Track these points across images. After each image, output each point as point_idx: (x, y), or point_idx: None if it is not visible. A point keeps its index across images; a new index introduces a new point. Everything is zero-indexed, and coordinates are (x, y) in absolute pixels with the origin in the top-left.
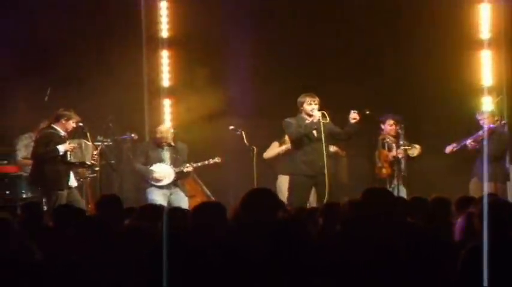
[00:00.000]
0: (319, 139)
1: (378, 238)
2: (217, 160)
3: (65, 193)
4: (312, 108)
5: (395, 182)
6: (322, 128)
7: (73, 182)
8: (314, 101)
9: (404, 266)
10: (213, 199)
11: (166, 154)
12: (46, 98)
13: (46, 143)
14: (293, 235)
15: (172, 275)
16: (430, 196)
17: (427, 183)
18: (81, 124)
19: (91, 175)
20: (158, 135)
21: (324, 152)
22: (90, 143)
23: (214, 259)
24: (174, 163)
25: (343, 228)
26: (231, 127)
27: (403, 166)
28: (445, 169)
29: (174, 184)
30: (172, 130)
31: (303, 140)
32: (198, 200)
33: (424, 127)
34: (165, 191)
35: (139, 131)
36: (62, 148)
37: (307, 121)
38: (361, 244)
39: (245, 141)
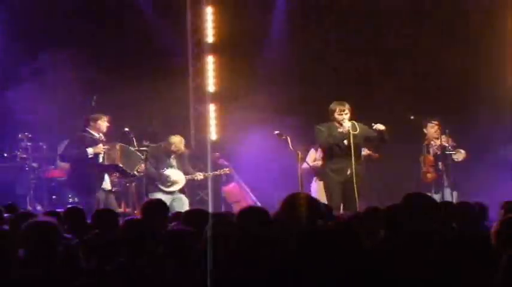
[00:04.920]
0: (348, 149)
1: (416, 246)
2: (227, 171)
3: (100, 195)
4: (342, 119)
5: (441, 186)
6: (351, 140)
7: (107, 185)
8: (344, 110)
9: (446, 271)
10: (259, 204)
11: (173, 161)
12: (93, 104)
13: (77, 146)
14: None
15: (216, 279)
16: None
17: (475, 187)
18: (126, 129)
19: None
20: (173, 148)
21: (353, 161)
22: (134, 151)
23: (257, 265)
24: (182, 168)
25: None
26: (276, 132)
27: (448, 170)
28: (491, 172)
29: (181, 190)
30: (183, 140)
31: (332, 149)
32: (243, 204)
33: (470, 131)
34: (169, 196)
35: (185, 135)
36: (91, 150)
37: (339, 130)
38: (402, 251)
39: (290, 146)
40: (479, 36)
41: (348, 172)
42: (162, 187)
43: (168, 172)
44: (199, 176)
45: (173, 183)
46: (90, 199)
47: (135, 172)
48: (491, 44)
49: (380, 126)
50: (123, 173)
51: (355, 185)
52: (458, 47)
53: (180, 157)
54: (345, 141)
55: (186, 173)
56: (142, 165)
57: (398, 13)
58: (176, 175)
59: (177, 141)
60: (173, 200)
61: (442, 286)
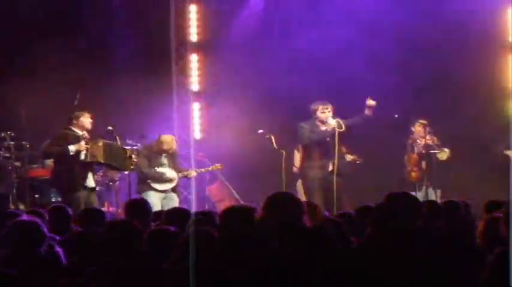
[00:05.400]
0: (332, 146)
1: (400, 244)
2: (218, 166)
3: (82, 194)
4: (326, 117)
5: (425, 184)
6: (336, 137)
7: (90, 182)
8: (327, 109)
9: (429, 270)
10: (242, 202)
11: (165, 160)
12: (76, 102)
13: (58, 143)
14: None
15: (199, 278)
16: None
17: (458, 186)
18: (110, 128)
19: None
20: (165, 147)
21: (336, 159)
22: (119, 147)
23: (242, 263)
24: (175, 168)
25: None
26: (260, 131)
27: (432, 168)
28: (473, 171)
29: (173, 189)
30: (175, 137)
31: (314, 146)
32: (227, 203)
33: (452, 130)
34: (162, 194)
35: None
36: (72, 148)
37: (322, 128)
38: (386, 249)
39: (274, 145)
40: (467, 33)
41: (330, 169)
42: (155, 186)
43: (162, 169)
44: (193, 173)
45: (168, 180)
46: (71, 197)
47: (132, 167)
48: (477, 42)
49: (372, 102)
50: (114, 169)
51: (334, 183)
52: (443, 44)
53: (171, 155)
54: (328, 139)
55: (178, 171)
56: (135, 158)
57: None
58: (170, 173)
59: (169, 140)
60: (164, 198)
61: (427, 284)
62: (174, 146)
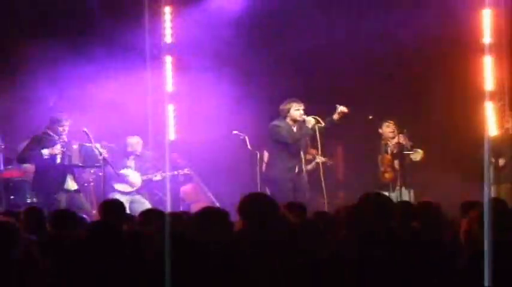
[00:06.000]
0: (303, 147)
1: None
2: (186, 171)
3: (61, 196)
4: (300, 114)
5: (398, 185)
6: (318, 133)
7: (71, 185)
8: (301, 106)
9: (405, 272)
10: (217, 204)
11: (131, 162)
12: (51, 103)
13: (32, 147)
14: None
15: (174, 279)
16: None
17: (431, 187)
18: (85, 129)
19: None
20: (129, 149)
21: (320, 154)
22: (93, 148)
23: (216, 264)
24: (140, 170)
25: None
26: (235, 132)
27: (406, 169)
28: (447, 172)
29: (138, 191)
30: (141, 141)
31: (289, 147)
32: (202, 205)
33: (426, 132)
34: (128, 197)
35: (143, 135)
36: (46, 152)
37: (293, 128)
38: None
39: (248, 146)
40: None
41: (300, 169)
42: (118, 188)
43: (125, 171)
44: (157, 176)
45: (130, 184)
46: (50, 199)
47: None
48: (451, 43)
49: (344, 109)
50: (93, 167)
51: (304, 184)
52: (416, 45)
53: (138, 157)
54: (305, 138)
55: (144, 173)
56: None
57: None
58: (132, 176)
59: (134, 142)
60: (132, 201)
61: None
62: (139, 148)
